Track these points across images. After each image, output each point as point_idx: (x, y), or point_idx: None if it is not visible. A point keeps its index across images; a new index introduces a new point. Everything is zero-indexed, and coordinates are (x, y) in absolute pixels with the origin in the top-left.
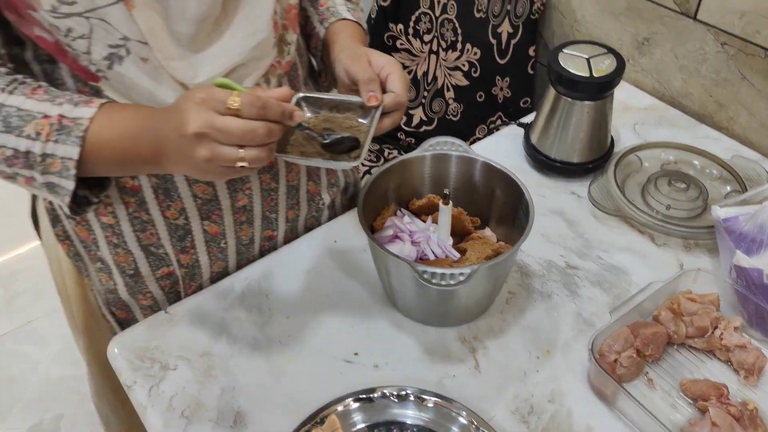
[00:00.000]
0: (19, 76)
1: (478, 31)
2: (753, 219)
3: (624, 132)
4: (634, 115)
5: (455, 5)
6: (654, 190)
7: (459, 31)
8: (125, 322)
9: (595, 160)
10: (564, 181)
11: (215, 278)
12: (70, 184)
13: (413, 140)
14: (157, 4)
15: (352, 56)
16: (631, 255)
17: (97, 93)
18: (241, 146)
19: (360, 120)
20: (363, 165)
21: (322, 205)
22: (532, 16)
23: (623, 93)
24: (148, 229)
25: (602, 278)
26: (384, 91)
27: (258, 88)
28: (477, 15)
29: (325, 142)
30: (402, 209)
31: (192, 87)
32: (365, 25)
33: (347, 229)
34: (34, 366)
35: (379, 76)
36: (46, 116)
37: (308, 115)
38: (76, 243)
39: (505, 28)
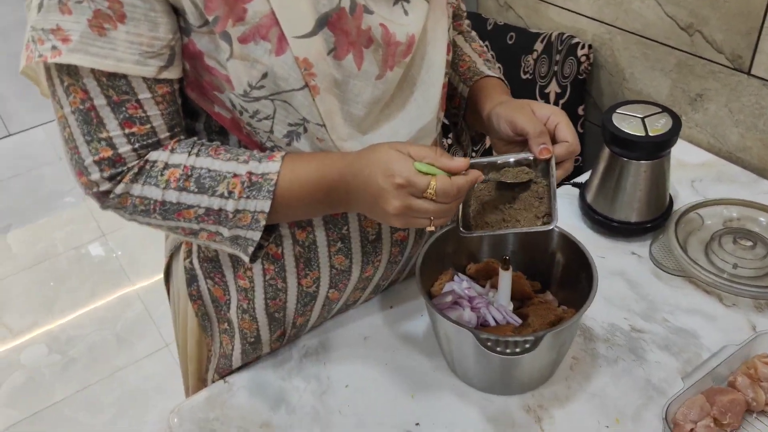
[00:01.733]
0: (195, 138)
1: (526, 92)
2: None
3: (681, 189)
4: (691, 172)
5: (501, 67)
6: (718, 248)
7: None
8: None
9: (655, 219)
10: (623, 241)
11: (310, 332)
12: (256, 235)
13: None
14: (337, 89)
15: (515, 108)
16: (699, 317)
17: None
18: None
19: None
20: None
21: None
22: (579, 76)
23: (678, 149)
24: (279, 296)
25: (670, 342)
26: (553, 141)
27: (438, 149)
28: (524, 77)
29: (501, 180)
30: (459, 274)
31: (391, 150)
32: (506, 81)
33: (402, 294)
34: None
35: (546, 126)
36: (235, 175)
37: (481, 187)
38: (207, 303)
39: (553, 88)
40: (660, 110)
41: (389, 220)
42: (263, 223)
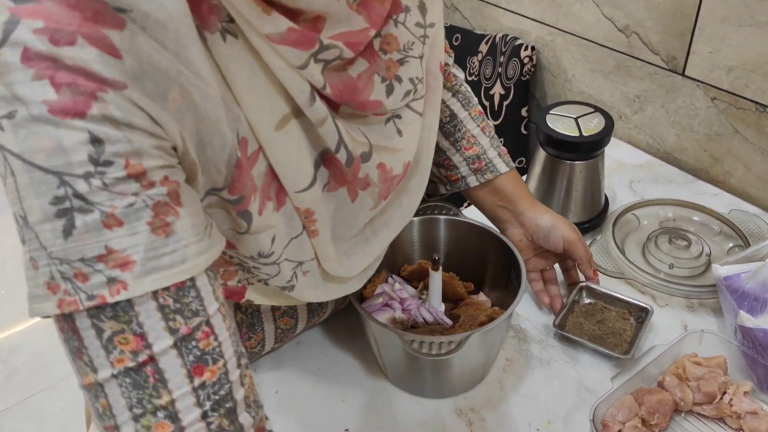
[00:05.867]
0: None
1: None
2: (755, 276)
3: (620, 190)
4: (630, 173)
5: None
6: (655, 248)
7: None
8: None
9: (591, 220)
10: None
11: None
12: None
13: None
14: (331, 219)
15: (576, 234)
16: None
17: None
18: None
19: (631, 321)
20: None
21: None
22: (523, 78)
23: (617, 151)
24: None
25: None
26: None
27: None
28: (469, 78)
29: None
30: (393, 276)
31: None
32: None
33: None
34: None
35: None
36: None
37: (587, 301)
38: None
39: (497, 90)
40: (593, 110)
41: None
42: None
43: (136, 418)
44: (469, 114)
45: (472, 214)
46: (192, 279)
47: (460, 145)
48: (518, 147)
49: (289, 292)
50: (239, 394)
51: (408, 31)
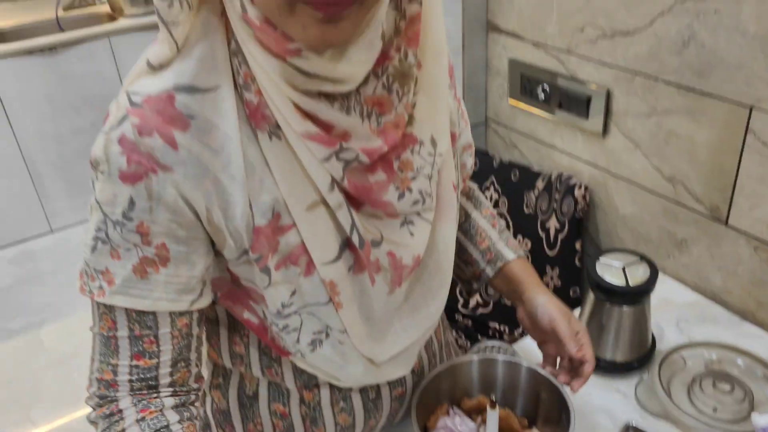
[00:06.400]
0: (167, 423)
1: (528, 225)
2: None
3: (667, 328)
4: (677, 311)
5: (506, 201)
6: (699, 391)
7: (510, 224)
8: None
9: (639, 359)
10: (610, 378)
11: None
12: None
13: (470, 322)
14: (356, 300)
15: (562, 313)
16: None
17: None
18: None
19: None
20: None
21: None
22: (577, 214)
23: (665, 288)
24: None
25: None
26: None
27: None
28: (526, 211)
29: None
30: (454, 408)
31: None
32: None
33: (403, 427)
34: None
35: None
36: None
37: None
38: None
39: (553, 223)
40: (639, 258)
41: None
42: None
43: (99, 361)
44: (480, 213)
45: (527, 348)
46: (155, 312)
47: (475, 240)
48: (572, 278)
49: (318, 348)
50: (164, 380)
51: (421, 157)
